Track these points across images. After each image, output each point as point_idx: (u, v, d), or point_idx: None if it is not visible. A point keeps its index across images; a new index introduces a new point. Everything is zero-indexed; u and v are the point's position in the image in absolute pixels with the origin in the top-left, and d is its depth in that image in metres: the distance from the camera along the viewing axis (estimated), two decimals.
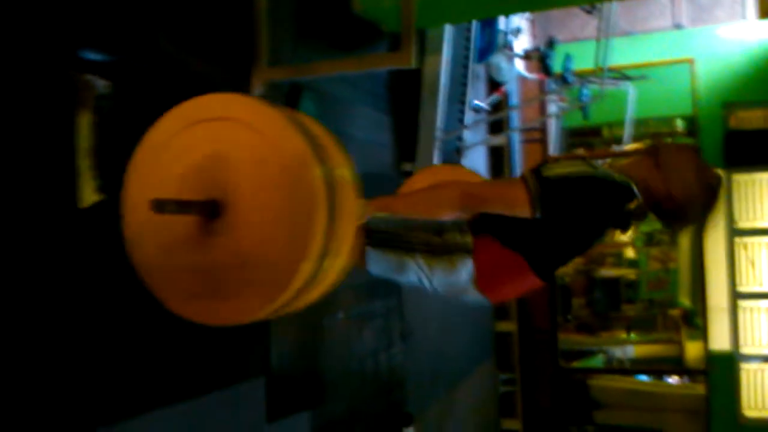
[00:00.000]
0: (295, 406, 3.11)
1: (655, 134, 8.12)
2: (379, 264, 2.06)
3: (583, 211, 1.95)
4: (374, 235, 2.04)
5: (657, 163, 2.00)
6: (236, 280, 1.52)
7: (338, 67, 3.17)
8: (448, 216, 2.01)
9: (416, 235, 2.06)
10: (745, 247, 6.49)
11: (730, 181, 6.50)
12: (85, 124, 1.86)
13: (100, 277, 1.93)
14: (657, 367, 8.05)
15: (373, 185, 2.06)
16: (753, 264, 6.53)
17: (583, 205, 1.94)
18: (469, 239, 2.03)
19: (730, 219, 6.49)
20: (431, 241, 2.05)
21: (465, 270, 2.04)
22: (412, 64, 2.88)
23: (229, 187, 1.52)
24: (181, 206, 1.51)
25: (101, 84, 1.89)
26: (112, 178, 1.91)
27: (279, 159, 1.47)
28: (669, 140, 2.13)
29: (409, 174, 4.52)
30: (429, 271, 2.06)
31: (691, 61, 6.80)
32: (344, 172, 1.60)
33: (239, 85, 2.76)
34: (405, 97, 4.50)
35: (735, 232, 6.51)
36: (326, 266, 1.55)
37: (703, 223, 2.08)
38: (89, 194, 1.86)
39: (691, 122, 7.22)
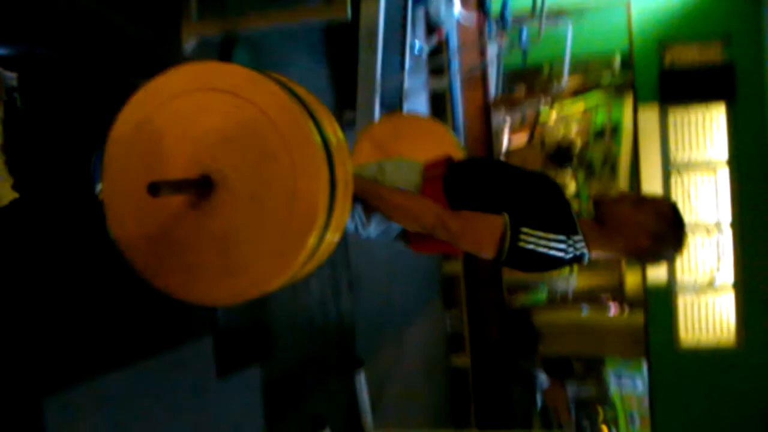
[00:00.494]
0: (245, 360, 3.10)
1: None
2: None
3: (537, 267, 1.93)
4: None
5: (608, 225, 1.96)
6: (234, 258, 1.45)
7: (270, 19, 3.06)
8: (413, 228, 1.97)
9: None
10: (680, 180, 6.64)
11: (665, 117, 6.61)
12: None
13: (31, 250, 1.89)
14: (598, 298, 8.27)
15: None
16: (688, 196, 6.70)
17: (538, 266, 1.91)
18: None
19: (665, 154, 6.62)
20: None
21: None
22: (347, 16, 2.83)
23: (222, 161, 1.45)
24: (176, 187, 1.43)
25: (9, 76, 1.80)
26: (30, 174, 1.86)
27: (275, 129, 1.40)
28: (603, 193, 2.01)
29: (351, 125, 4.49)
30: (366, 219, 2.04)
31: (627, 2, 6.83)
32: (339, 137, 1.53)
33: (168, 42, 2.68)
34: (342, 45, 4.42)
35: (670, 166, 6.65)
36: (327, 239, 1.50)
37: (679, 250, 1.98)
38: (5, 193, 1.80)
39: (628, 59, 7.30)
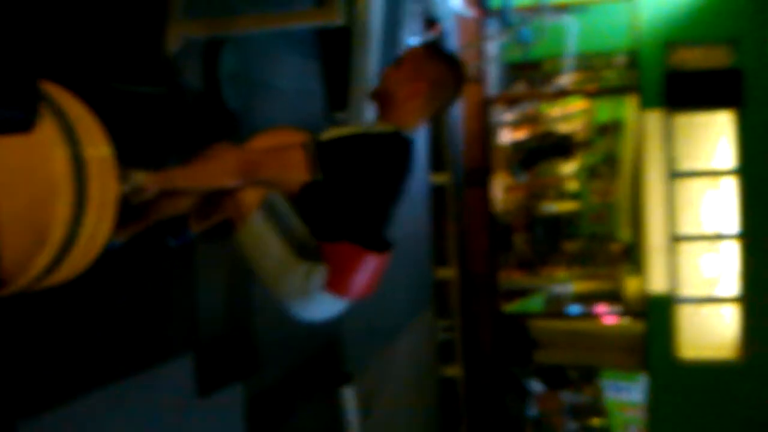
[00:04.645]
0: (228, 377, 2.98)
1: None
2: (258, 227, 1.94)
3: (361, 166, 1.91)
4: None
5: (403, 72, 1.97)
6: None
7: (260, 22, 2.97)
8: (230, 184, 1.96)
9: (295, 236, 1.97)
10: (685, 188, 6.53)
11: (670, 123, 6.46)
12: None
13: None
14: (595, 303, 8.19)
15: None
16: (691, 205, 6.60)
17: (358, 160, 1.91)
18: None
19: (670, 161, 6.49)
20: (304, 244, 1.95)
21: (320, 275, 1.95)
22: (339, 20, 2.67)
23: None
24: None
25: None
26: None
27: (21, 141, 1.41)
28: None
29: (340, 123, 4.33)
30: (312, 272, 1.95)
31: None
32: (99, 150, 1.59)
33: (152, 42, 2.51)
34: (335, 41, 4.25)
35: (674, 174, 6.51)
36: (81, 238, 1.56)
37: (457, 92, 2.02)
38: None
39: (633, 59, 7.14)
